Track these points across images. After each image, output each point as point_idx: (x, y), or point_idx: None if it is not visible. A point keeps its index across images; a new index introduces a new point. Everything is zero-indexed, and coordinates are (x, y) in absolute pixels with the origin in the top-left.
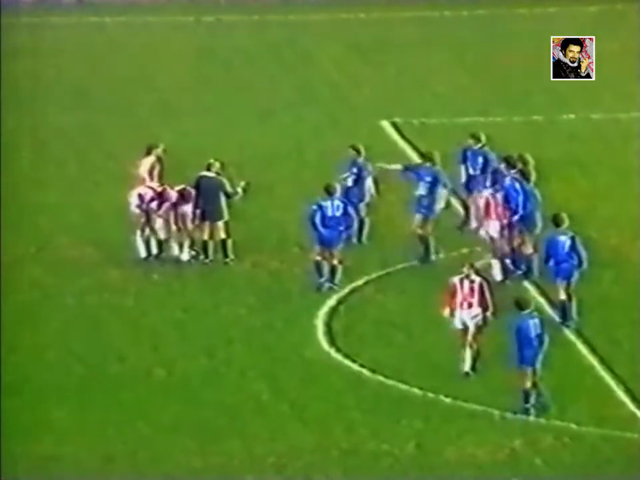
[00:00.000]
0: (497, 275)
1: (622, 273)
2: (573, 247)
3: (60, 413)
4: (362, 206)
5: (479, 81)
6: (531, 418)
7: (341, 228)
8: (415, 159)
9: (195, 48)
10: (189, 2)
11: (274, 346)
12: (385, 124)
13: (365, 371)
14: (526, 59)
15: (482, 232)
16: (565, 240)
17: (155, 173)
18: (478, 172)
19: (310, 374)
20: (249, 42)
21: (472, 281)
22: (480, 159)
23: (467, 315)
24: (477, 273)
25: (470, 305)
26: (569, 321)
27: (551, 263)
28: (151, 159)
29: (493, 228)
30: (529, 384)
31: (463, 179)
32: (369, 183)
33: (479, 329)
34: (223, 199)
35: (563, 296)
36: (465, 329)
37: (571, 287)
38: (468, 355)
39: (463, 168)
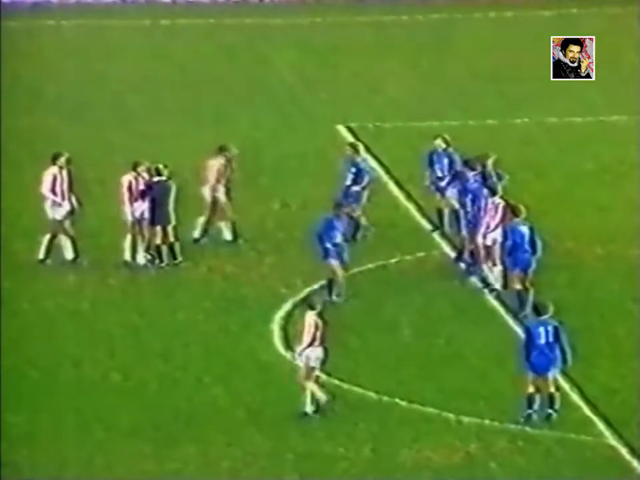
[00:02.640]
0: (497, 281)
1: (576, 277)
2: (532, 236)
3: (14, 418)
4: (358, 206)
5: (434, 85)
6: (527, 427)
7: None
8: (371, 162)
9: (151, 51)
10: (145, 5)
11: (230, 350)
12: (341, 128)
13: (320, 374)
14: (480, 63)
15: (483, 238)
16: (525, 230)
17: (224, 174)
18: (446, 173)
19: (266, 378)
20: (205, 46)
21: (306, 317)
22: (445, 161)
23: (297, 352)
24: (311, 307)
25: (300, 342)
26: (524, 312)
27: (514, 253)
28: (219, 160)
29: (497, 234)
30: (531, 389)
31: (428, 181)
32: (366, 182)
33: (309, 368)
34: (171, 204)
35: (519, 286)
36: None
37: (528, 277)
38: (307, 393)
39: (429, 171)
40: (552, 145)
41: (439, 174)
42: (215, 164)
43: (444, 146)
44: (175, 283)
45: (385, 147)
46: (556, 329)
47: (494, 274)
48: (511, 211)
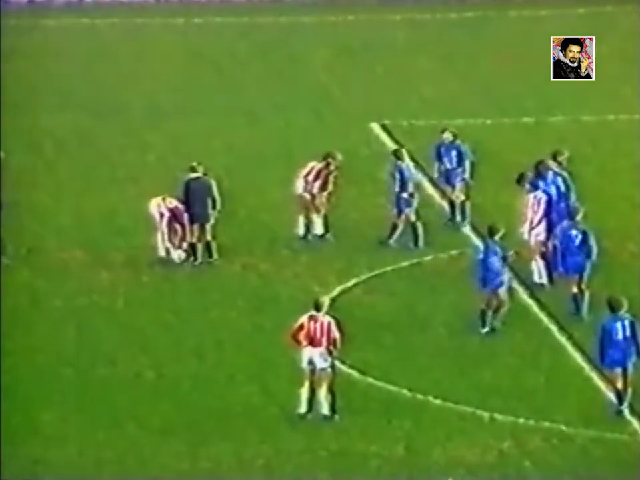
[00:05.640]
0: (543, 277)
1: (610, 276)
2: (585, 240)
3: (49, 415)
4: (411, 211)
5: (468, 83)
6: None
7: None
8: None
9: (185, 50)
10: (178, 4)
11: (263, 348)
12: (374, 126)
13: (354, 372)
14: (515, 61)
15: (528, 234)
16: (576, 234)
17: (322, 179)
18: (455, 165)
19: (299, 376)
20: (238, 44)
21: (317, 320)
22: (454, 153)
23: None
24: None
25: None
26: (580, 314)
27: (566, 257)
28: (319, 165)
29: (541, 228)
30: (620, 385)
31: (436, 174)
32: (412, 186)
33: (323, 370)
34: (210, 201)
35: (575, 289)
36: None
37: (583, 281)
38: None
39: (437, 164)
40: (586, 143)
41: (448, 166)
42: (308, 167)
43: (452, 138)
44: (209, 280)
45: (418, 145)
46: (632, 324)
47: (538, 269)
48: (568, 213)
